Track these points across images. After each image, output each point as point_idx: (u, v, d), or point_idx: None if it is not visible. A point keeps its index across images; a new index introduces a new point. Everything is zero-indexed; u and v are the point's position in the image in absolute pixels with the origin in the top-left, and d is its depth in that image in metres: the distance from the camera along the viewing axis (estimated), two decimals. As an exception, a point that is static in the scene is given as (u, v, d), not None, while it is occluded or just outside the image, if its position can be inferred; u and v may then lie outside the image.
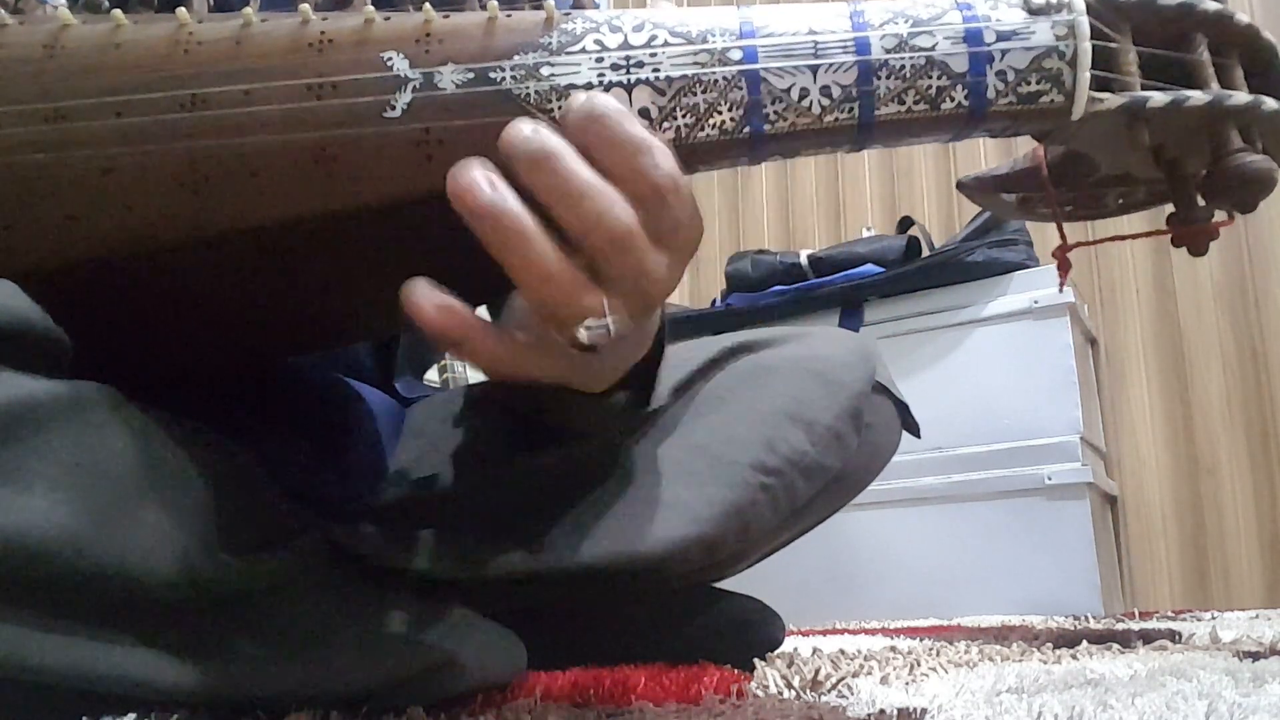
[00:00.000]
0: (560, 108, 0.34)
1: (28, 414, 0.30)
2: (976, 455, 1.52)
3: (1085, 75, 0.35)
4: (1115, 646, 0.68)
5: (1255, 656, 0.58)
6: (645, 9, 0.36)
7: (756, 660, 0.55)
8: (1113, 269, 1.86)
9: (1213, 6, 0.36)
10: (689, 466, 0.50)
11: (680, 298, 2.25)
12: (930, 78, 0.35)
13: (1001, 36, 0.35)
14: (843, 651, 0.69)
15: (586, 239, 0.31)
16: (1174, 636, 0.78)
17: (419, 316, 0.30)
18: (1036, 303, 1.52)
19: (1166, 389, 1.78)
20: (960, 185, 0.44)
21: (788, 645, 0.72)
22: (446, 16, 0.35)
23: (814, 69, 0.34)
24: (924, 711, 0.37)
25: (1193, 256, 0.37)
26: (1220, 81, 0.36)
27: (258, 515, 0.37)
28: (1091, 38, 0.35)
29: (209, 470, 0.35)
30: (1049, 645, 0.71)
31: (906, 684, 0.47)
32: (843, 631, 1.12)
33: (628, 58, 0.34)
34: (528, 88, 0.34)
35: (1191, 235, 0.37)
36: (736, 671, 0.52)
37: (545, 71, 0.34)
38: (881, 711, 0.38)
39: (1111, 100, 0.35)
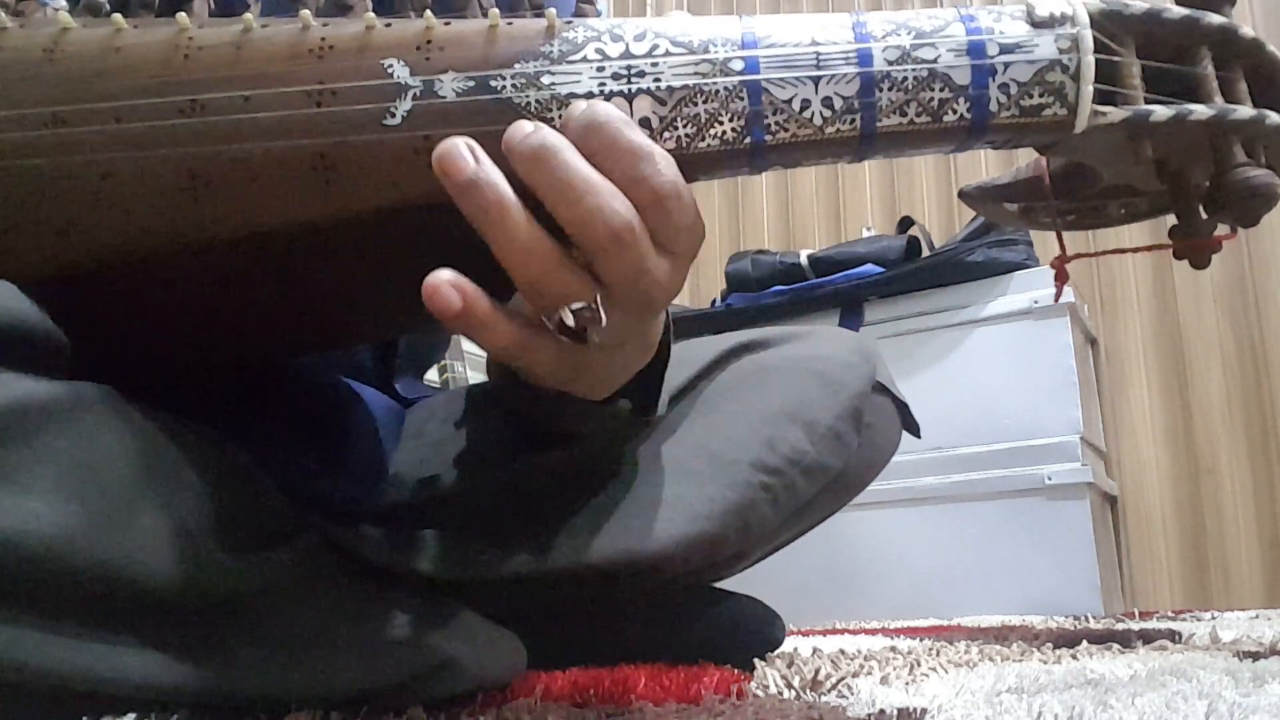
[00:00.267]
0: (561, 116, 0.33)
1: (27, 415, 0.30)
2: (976, 455, 1.52)
3: (1088, 89, 0.34)
4: (1115, 646, 0.68)
5: (1255, 656, 0.58)
6: (647, 18, 0.35)
7: (756, 660, 0.55)
8: (1113, 269, 1.85)
9: (1217, 20, 0.36)
10: (690, 466, 0.50)
11: (680, 298, 2.22)
12: (932, 90, 0.34)
13: (1005, 49, 0.34)
14: (843, 651, 0.69)
15: (586, 235, 0.31)
16: (1174, 636, 0.78)
17: (431, 279, 0.30)
18: (1036, 303, 1.52)
19: (1166, 389, 1.78)
20: (962, 194, 0.43)
21: (788, 645, 0.72)
22: (448, 24, 0.35)
23: (816, 80, 0.34)
24: (924, 711, 0.37)
25: (1195, 269, 0.37)
26: (1224, 95, 0.36)
27: (257, 516, 0.37)
28: (1095, 51, 0.35)
29: (208, 471, 0.35)
30: (1049, 645, 0.71)
31: (906, 684, 0.47)
32: (843, 631, 1.12)
33: (629, 67, 0.34)
34: (528, 96, 0.34)
35: (1194, 249, 0.36)
36: (736, 671, 0.51)
37: (546, 80, 0.34)
38: (881, 711, 0.38)
39: (1114, 114, 0.35)
